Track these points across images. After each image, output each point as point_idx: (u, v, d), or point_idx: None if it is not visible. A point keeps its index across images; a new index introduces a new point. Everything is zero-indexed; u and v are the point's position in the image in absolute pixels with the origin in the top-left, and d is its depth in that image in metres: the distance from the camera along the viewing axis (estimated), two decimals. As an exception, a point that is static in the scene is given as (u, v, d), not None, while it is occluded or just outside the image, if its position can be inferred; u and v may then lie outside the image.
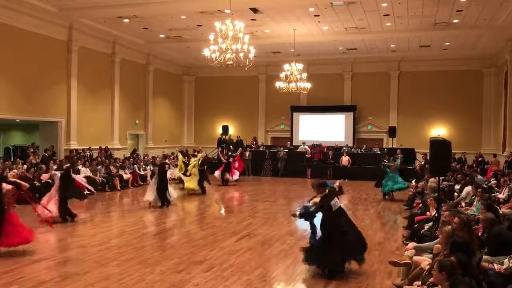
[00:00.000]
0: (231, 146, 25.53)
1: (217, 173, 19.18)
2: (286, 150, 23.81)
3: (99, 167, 17.28)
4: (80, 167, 16.53)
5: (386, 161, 17.03)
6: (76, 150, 18.37)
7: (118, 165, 18.52)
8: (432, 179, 11.50)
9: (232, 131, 27.24)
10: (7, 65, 16.28)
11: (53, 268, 7.29)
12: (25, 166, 15.00)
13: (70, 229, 10.28)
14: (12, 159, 17.09)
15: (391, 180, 15.49)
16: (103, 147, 20.16)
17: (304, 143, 24.38)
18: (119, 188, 17.17)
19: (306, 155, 23.09)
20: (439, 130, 24.49)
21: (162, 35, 21.52)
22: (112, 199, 15.59)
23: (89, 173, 16.50)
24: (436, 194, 9.38)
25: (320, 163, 22.75)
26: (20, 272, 7.01)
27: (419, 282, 5.51)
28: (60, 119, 18.84)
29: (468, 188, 11.23)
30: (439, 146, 9.13)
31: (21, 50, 16.76)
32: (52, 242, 9.13)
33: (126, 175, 18.15)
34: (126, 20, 18.70)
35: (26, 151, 17.47)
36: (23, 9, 16.32)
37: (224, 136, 26.10)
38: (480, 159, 20.14)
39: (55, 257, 8.01)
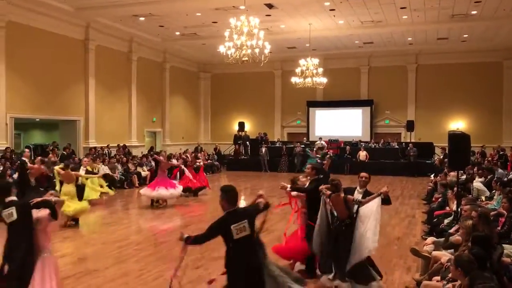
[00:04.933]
0: (248, 143, 25.58)
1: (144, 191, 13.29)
2: (303, 146, 23.74)
3: (117, 164, 17.47)
4: (99, 164, 16.78)
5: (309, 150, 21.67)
6: (95, 148, 18.59)
7: (136, 162, 18.72)
8: (452, 173, 11.37)
9: (248, 127, 27.25)
10: (27, 65, 16.54)
11: (74, 264, 7.41)
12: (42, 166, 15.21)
13: (90, 226, 10.42)
14: (32, 158, 17.35)
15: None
16: (121, 144, 20.37)
17: (320, 138, 24.29)
18: (137, 185, 17.34)
19: (323, 151, 22.98)
20: (458, 124, 24.14)
21: (177, 33, 21.61)
22: (130, 196, 15.74)
23: (108, 171, 16.71)
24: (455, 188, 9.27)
25: (337, 158, 22.64)
26: (42, 269, 7.14)
27: (438, 277, 5.46)
28: (78, 118, 19.08)
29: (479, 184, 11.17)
30: (458, 140, 9.01)
31: (40, 50, 17.00)
32: (73, 238, 9.27)
33: (144, 172, 18.32)
34: (142, 18, 18.82)
35: (46, 149, 17.73)
36: (40, 9, 16.54)
37: (240, 133, 26.13)
38: (501, 152, 19.77)
39: (76, 253, 8.14)
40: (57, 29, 17.72)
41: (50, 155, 16.27)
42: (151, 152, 20.72)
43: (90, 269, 7.14)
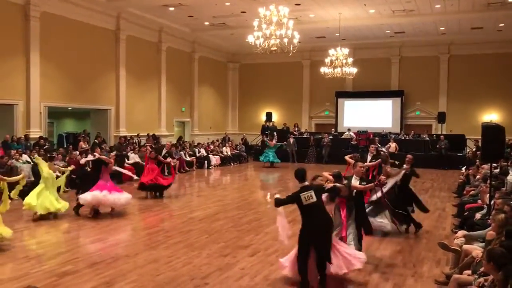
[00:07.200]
0: (275, 133, 25.53)
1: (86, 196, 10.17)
2: (331, 137, 23.57)
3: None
4: (129, 153, 17.11)
5: (267, 138, 22.34)
6: (125, 137, 18.90)
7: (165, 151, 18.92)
8: (485, 166, 11.10)
9: (275, 118, 27.21)
10: (60, 55, 16.90)
11: (105, 250, 7.59)
12: (77, 152, 15.61)
13: (120, 213, 10.62)
14: (65, 146, 17.84)
15: (271, 152, 21.39)
16: (151, 134, 20.64)
17: (349, 130, 24.06)
18: (166, 174, 17.54)
19: (352, 142, 22.77)
20: (492, 116, 23.47)
21: (206, 23, 21.68)
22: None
23: (138, 159, 17.02)
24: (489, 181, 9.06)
25: (366, 150, 22.36)
26: (75, 253, 7.36)
27: (469, 271, 5.37)
28: (109, 107, 19.42)
29: None
30: (492, 132, 8.79)
31: (72, 40, 17.33)
32: (103, 225, 9.47)
33: (173, 162, 18.51)
34: (172, 9, 18.95)
35: (78, 138, 18.16)
36: (73, 0, 16.90)
37: (267, 123, 26.11)
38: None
39: (107, 239, 8.33)
40: (89, 20, 18.02)
41: (81, 143, 16.67)
42: (180, 141, 20.96)
43: (120, 254, 7.30)
